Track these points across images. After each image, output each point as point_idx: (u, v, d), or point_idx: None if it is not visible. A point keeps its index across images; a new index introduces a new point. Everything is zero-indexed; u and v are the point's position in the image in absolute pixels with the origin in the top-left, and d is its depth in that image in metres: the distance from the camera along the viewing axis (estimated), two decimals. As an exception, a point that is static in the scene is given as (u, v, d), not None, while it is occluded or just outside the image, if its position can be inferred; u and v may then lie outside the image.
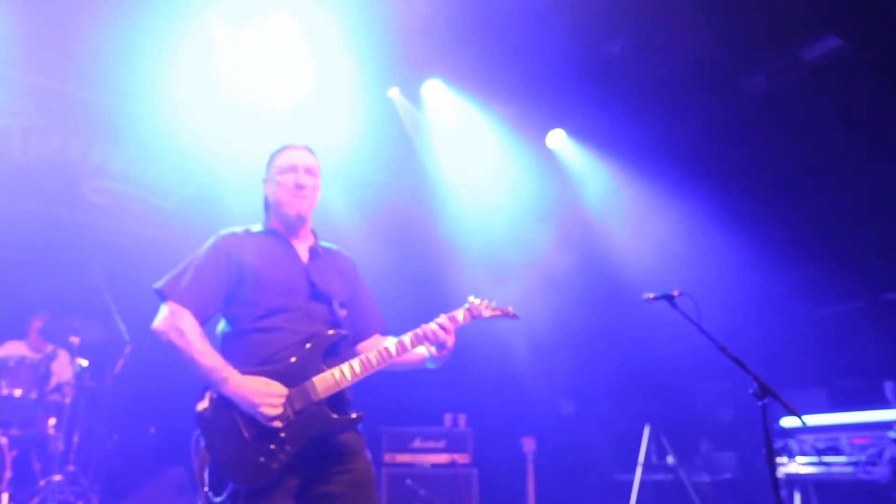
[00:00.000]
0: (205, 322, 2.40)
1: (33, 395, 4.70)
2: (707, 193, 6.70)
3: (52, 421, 4.94)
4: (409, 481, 5.29)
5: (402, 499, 5.27)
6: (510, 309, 2.76)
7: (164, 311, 2.36)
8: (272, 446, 2.20)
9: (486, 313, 2.67)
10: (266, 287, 2.44)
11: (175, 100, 5.95)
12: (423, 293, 6.04)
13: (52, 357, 4.95)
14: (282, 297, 2.44)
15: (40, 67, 5.79)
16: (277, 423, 2.21)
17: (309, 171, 2.62)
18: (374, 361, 2.39)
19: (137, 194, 6.47)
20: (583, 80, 6.62)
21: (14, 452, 4.58)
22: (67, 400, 4.85)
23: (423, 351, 2.54)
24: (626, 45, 6.45)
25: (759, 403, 3.09)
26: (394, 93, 7.07)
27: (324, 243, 2.73)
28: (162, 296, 2.39)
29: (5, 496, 4.23)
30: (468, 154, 7.32)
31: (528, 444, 5.48)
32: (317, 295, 2.49)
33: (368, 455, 2.47)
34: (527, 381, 6.73)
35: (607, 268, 7.12)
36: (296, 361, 2.33)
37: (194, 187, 6.64)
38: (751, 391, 3.09)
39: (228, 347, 2.42)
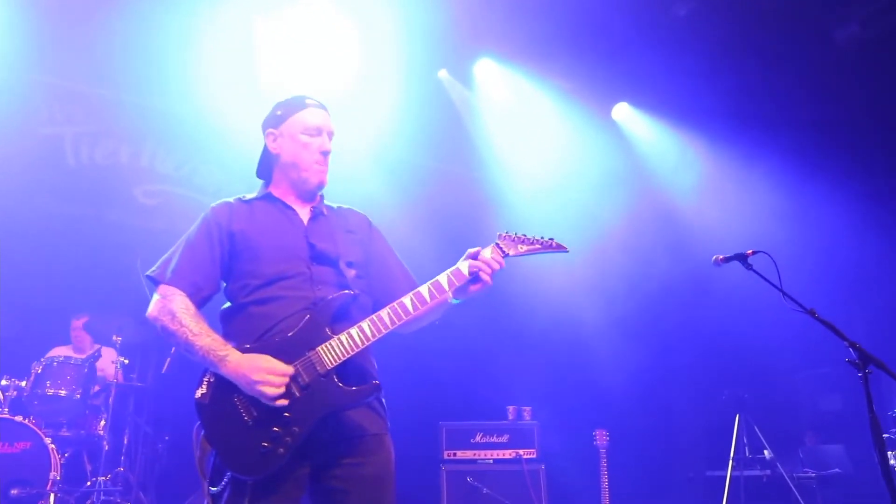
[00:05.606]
0: (204, 302, 2.23)
1: (77, 395, 4.65)
2: (794, 154, 6.13)
3: (102, 422, 4.90)
4: (469, 479, 4.91)
5: (464, 498, 4.90)
6: (553, 240, 2.27)
7: (156, 297, 2.19)
8: (276, 429, 1.96)
9: (522, 249, 2.24)
10: (261, 255, 2.24)
11: (219, 98, 5.89)
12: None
13: (95, 356, 4.93)
14: (279, 263, 2.22)
15: (87, 75, 5.86)
16: (282, 402, 1.96)
17: (331, 136, 2.41)
18: (386, 320, 2.11)
19: (188, 194, 6.46)
20: (649, 46, 6.14)
21: (67, 453, 4.56)
22: (111, 399, 4.78)
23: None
24: (693, 5, 5.95)
25: (859, 374, 2.69)
26: (443, 74, 6.81)
27: (331, 203, 2.49)
28: (153, 281, 2.22)
29: (52, 497, 4.16)
30: (526, 134, 6.92)
31: (601, 437, 4.98)
32: (319, 257, 2.26)
33: (390, 444, 2.21)
34: (598, 367, 6.22)
35: (688, 241, 6.59)
36: (299, 331, 2.08)
37: (243, 185, 6.54)
38: (847, 360, 2.71)
39: (228, 325, 2.24)
